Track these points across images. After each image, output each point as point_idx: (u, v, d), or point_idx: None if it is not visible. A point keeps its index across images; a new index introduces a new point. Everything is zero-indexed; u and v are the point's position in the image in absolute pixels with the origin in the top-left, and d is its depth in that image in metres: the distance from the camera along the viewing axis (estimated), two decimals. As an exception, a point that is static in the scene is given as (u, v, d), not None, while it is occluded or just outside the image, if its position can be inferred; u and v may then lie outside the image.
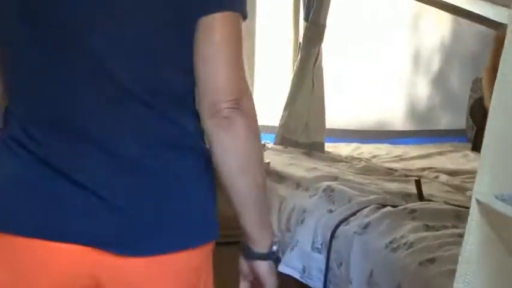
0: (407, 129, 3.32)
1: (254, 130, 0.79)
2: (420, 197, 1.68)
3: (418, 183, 1.71)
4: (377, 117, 3.25)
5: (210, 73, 0.75)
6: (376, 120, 3.25)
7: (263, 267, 0.87)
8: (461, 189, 2.07)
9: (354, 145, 2.98)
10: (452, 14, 3.22)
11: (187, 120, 0.80)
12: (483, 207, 0.78)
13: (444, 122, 3.42)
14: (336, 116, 2.99)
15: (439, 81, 3.33)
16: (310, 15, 2.62)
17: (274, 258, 0.87)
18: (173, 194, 0.80)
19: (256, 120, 0.80)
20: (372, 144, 3.07)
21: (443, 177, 2.27)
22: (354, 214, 1.66)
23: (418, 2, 3.13)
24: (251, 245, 0.86)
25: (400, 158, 2.71)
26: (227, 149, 0.78)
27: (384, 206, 1.65)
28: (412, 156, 2.77)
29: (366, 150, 2.88)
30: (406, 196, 1.82)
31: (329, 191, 1.84)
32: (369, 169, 2.33)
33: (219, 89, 0.75)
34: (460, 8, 3.19)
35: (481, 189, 0.78)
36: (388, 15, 3.12)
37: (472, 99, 3.30)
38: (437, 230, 1.45)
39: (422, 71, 3.29)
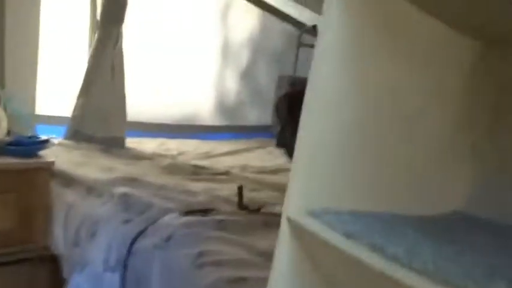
0: (216, 124, 3.18)
1: None
2: (240, 205, 1.48)
3: (240, 191, 1.51)
4: (185, 111, 3.03)
5: None
6: (184, 114, 3.03)
7: None
8: (267, 187, 1.96)
9: (159, 140, 2.71)
10: (261, 10, 3.17)
11: None
12: (294, 225, 0.61)
13: (252, 117, 3.37)
14: (140, 108, 2.69)
15: (248, 76, 3.26)
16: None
17: None
18: None
19: None
20: (179, 139, 2.84)
21: (251, 176, 2.14)
22: (152, 224, 1.39)
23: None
24: None
25: (208, 155, 2.53)
26: None
27: (189, 213, 1.42)
28: (220, 153, 2.61)
29: (173, 146, 2.63)
30: (214, 199, 1.62)
31: (125, 198, 1.53)
32: (175, 167, 2.08)
33: None
34: (268, 4, 3.15)
35: (292, 206, 0.61)
36: (197, 5, 2.91)
37: (278, 96, 3.30)
38: (248, 243, 1.27)
39: (231, 65, 3.18)
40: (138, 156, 2.22)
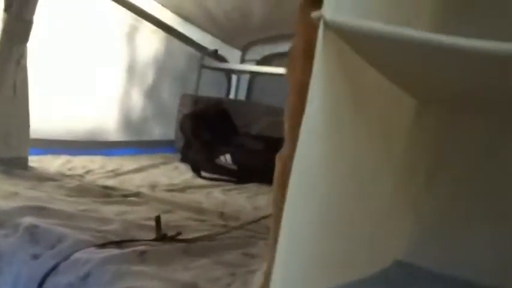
0: (122, 139, 2.94)
1: None
2: (159, 236, 1.31)
3: (157, 221, 1.34)
4: (89, 126, 2.75)
5: None
6: (88, 130, 2.75)
7: None
8: (179, 207, 1.82)
9: (64, 158, 2.40)
10: (166, 33, 3.01)
11: None
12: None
13: (156, 133, 3.18)
14: (42, 125, 2.37)
15: (152, 94, 3.07)
16: (13, 7, 1.96)
17: None
18: None
19: None
20: (85, 156, 2.56)
21: (161, 195, 1.98)
22: (65, 259, 1.18)
23: (135, 15, 2.78)
24: None
25: (116, 173, 2.30)
26: None
27: (106, 245, 1.23)
28: (127, 170, 2.39)
29: (78, 164, 2.35)
30: (129, 225, 1.44)
31: (32, 229, 1.29)
32: (84, 189, 1.84)
33: None
34: (173, 28, 3.01)
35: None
36: (104, 23, 2.66)
37: (181, 113, 3.16)
38: (169, 276, 1.12)
39: (137, 83, 2.97)
40: (42, 178, 1.93)
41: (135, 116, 3.00)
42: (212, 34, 3.18)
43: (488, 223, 0.63)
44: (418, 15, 0.58)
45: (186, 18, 3.00)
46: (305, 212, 0.44)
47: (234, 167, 2.62)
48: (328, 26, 0.40)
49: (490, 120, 0.62)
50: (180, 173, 2.60)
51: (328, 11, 0.40)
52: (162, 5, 2.83)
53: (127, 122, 2.95)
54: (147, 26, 2.89)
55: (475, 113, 0.62)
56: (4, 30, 1.95)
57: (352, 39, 0.41)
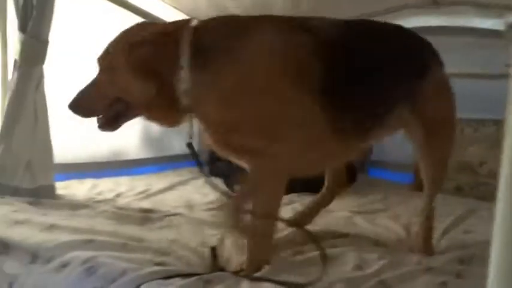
0: (144, 156, 2.91)
1: None
2: (216, 267, 1.28)
3: (213, 252, 1.31)
4: (110, 146, 2.73)
5: None
6: (109, 150, 2.72)
7: None
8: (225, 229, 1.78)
9: (89, 182, 2.38)
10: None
11: None
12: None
13: (178, 146, 3.15)
14: (63, 148, 2.35)
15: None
16: (29, 26, 1.93)
17: None
18: None
19: None
20: (109, 178, 2.53)
21: (202, 216, 1.94)
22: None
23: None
24: None
25: (147, 194, 2.26)
26: None
27: (171, 277, 1.19)
28: (158, 190, 2.36)
29: (105, 187, 2.32)
30: (183, 251, 1.41)
31: (87, 263, 1.26)
32: (122, 215, 1.81)
33: None
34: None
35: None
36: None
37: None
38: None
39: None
40: (74, 206, 1.90)
41: (155, 130, 2.98)
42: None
43: None
44: None
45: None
46: None
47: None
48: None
49: None
50: (211, 188, 2.55)
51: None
52: (176, 8, 2.80)
53: (148, 138, 2.93)
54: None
55: None
56: (22, 51, 1.92)
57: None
